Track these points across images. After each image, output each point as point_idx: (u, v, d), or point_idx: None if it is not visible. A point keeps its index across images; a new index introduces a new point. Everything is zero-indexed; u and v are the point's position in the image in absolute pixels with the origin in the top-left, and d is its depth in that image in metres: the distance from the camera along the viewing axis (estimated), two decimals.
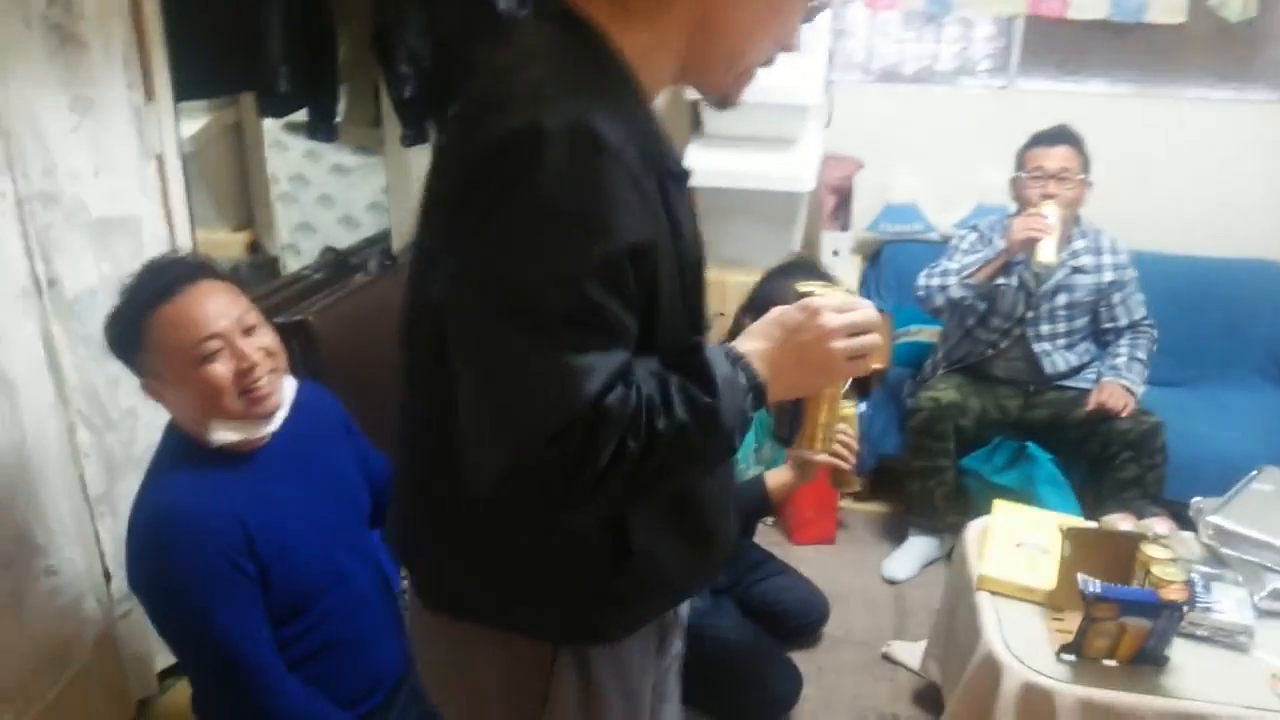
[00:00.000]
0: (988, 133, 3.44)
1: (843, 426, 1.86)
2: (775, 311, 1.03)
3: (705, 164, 2.89)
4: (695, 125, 3.29)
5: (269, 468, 1.52)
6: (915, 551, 2.92)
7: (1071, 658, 1.80)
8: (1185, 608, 1.75)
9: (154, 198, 2.03)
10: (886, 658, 2.54)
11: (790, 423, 1.07)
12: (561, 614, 1.07)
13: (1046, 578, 1.97)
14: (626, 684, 1.14)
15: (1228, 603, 1.90)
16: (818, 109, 3.16)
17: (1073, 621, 1.81)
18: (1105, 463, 2.76)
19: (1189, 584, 1.78)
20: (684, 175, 1.04)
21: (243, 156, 3.25)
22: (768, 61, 1.07)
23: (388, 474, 1.54)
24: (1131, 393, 2.78)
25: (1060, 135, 2.84)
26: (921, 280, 2.93)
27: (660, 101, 1.07)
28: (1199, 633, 1.86)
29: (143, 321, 1.43)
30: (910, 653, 2.48)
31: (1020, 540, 2.10)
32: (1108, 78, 3.63)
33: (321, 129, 2.83)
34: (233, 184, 3.29)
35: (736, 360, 0.98)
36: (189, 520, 1.41)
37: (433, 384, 1.00)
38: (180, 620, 1.45)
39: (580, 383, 0.86)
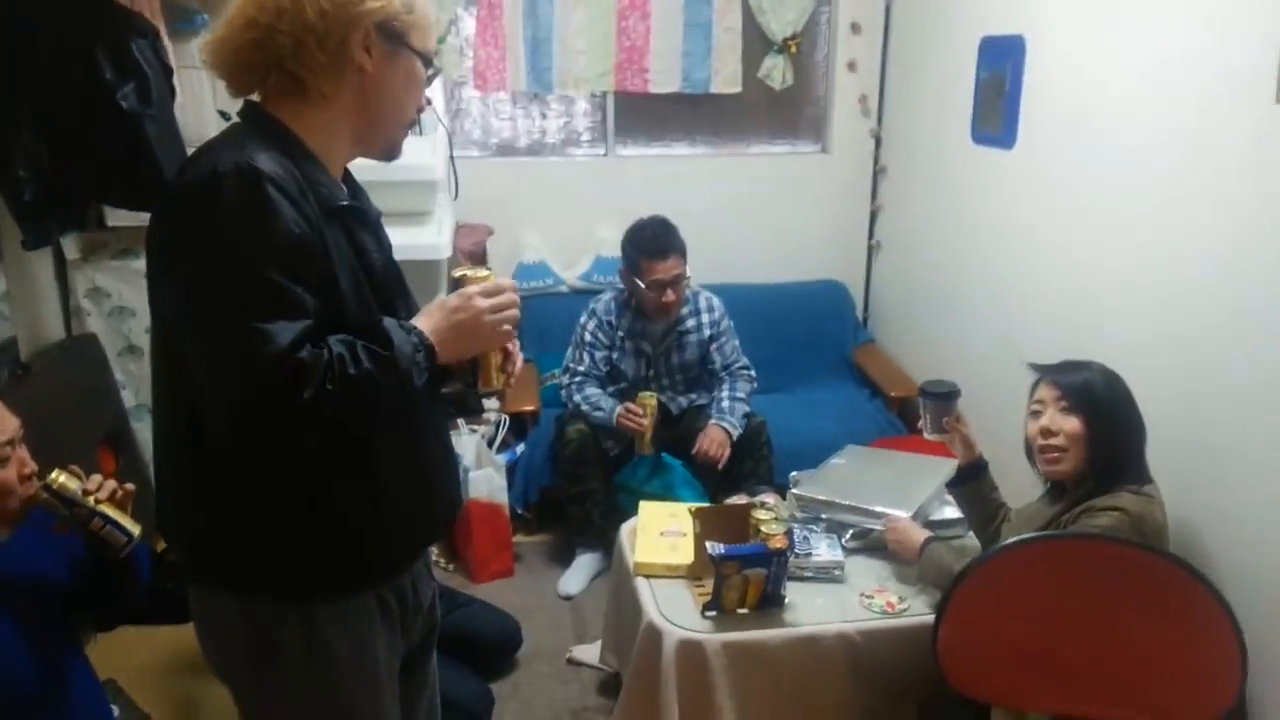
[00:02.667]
0: (596, 195, 3.93)
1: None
2: (441, 298, 1.36)
3: None
4: None
5: None
6: (583, 567, 3.26)
7: (713, 613, 2.18)
8: (789, 553, 2.19)
9: None
10: (571, 662, 2.83)
11: (472, 374, 1.45)
12: (279, 572, 1.32)
13: (686, 555, 2.36)
14: (356, 636, 1.37)
15: (822, 547, 2.38)
16: (445, 183, 3.46)
17: (710, 585, 2.19)
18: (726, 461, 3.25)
19: (789, 534, 2.23)
20: (360, 210, 1.38)
21: None
22: (415, 121, 1.43)
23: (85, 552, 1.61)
24: (730, 434, 3.22)
25: (665, 246, 3.16)
26: (564, 380, 3.33)
27: None
28: (805, 573, 2.32)
29: None
30: (590, 652, 2.79)
31: (663, 530, 2.49)
32: (687, 141, 4.27)
33: None
34: None
35: (410, 329, 1.30)
36: None
37: (172, 381, 1.30)
38: None
39: (270, 341, 1.15)
